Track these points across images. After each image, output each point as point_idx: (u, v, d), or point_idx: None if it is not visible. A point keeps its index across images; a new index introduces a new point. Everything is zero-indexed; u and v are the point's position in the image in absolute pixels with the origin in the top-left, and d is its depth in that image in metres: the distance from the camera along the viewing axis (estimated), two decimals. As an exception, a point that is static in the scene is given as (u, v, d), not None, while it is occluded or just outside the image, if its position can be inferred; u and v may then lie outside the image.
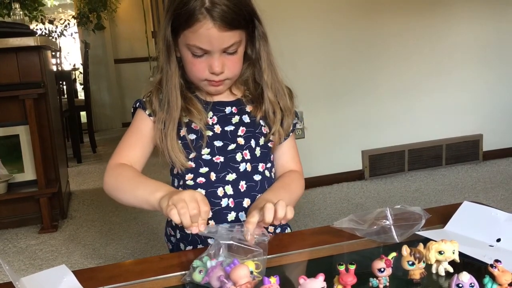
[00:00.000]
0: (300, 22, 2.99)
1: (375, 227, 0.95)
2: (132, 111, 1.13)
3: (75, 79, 6.02)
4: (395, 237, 0.93)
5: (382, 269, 0.77)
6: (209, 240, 1.04)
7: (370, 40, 3.19)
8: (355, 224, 0.99)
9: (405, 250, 0.78)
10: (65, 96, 4.63)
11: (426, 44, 3.29)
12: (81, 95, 5.95)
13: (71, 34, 6.41)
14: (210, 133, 1.05)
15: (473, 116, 3.46)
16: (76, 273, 0.87)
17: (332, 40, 3.12)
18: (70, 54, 6.67)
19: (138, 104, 1.09)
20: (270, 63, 1.08)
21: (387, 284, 0.78)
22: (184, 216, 0.83)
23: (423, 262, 0.78)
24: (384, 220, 0.96)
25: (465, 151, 3.42)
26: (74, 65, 5.95)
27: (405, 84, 3.28)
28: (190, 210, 0.83)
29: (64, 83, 4.69)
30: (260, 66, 1.08)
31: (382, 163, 3.26)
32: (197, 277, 0.80)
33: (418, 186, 3.05)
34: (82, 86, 5.20)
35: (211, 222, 1.05)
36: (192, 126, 1.05)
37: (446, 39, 3.33)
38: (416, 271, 0.78)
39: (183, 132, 1.04)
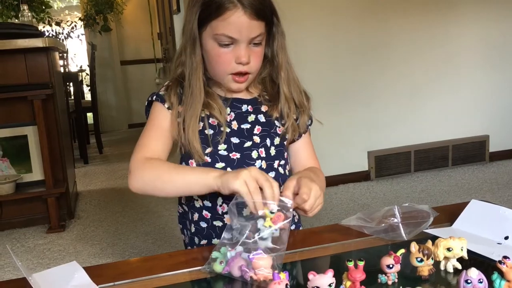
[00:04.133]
0: (305, 24, 2.99)
1: (383, 225, 0.96)
2: (146, 104, 1.11)
3: (81, 80, 6.05)
4: (403, 234, 0.94)
5: (391, 266, 0.77)
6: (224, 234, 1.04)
7: (376, 41, 3.18)
8: (363, 222, 0.99)
9: (414, 246, 0.79)
10: (72, 97, 4.65)
11: (432, 46, 3.28)
12: (87, 96, 5.98)
13: (78, 36, 6.45)
14: (228, 130, 1.06)
15: (480, 117, 3.45)
16: (86, 269, 0.88)
17: (338, 41, 3.12)
18: (76, 56, 6.70)
19: (155, 97, 1.08)
20: (287, 61, 1.10)
21: (396, 280, 0.78)
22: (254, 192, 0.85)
23: (432, 258, 0.79)
24: (392, 218, 0.96)
25: (472, 152, 3.41)
26: (81, 67, 5.98)
27: (411, 85, 3.28)
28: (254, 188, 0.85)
29: (71, 84, 4.72)
30: (278, 64, 1.09)
31: (388, 164, 3.25)
32: (218, 267, 0.81)
33: (425, 187, 3.04)
34: (89, 88, 5.22)
35: (227, 217, 1.05)
36: (210, 121, 1.06)
37: (452, 40, 3.33)
38: (425, 268, 0.79)
39: (200, 126, 1.04)
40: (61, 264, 0.92)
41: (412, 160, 3.28)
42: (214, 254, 0.83)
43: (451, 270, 0.81)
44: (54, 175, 2.71)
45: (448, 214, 1.04)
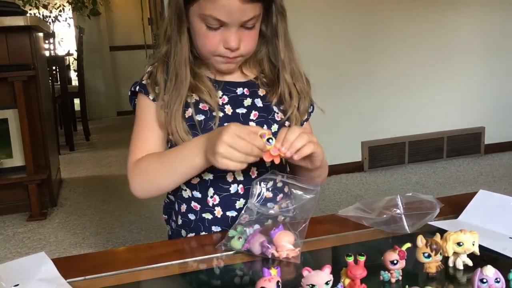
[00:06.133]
0: (300, 13, 2.90)
1: (384, 216, 0.88)
2: (129, 94, 1.02)
3: (69, 65, 5.91)
4: (406, 227, 0.86)
5: (395, 261, 0.69)
6: (213, 228, 0.98)
7: (371, 30, 3.11)
8: (362, 213, 0.91)
9: (421, 240, 0.71)
10: (58, 82, 4.53)
11: (428, 36, 3.22)
12: (75, 82, 5.84)
13: (66, 20, 6.29)
14: (221, 114, 0.96)
15: (475, 108, 3.40)
16: (56, 261, 0.80)
17: (333, 30, 3.05)
18: (64, 40, 6.54)
19: (138, 87, 0.99)
20: (287, 42, 0.99)
21: (400, 277, 0.71)
22: (239, 160, 0.79)
23: (440, 254, 0.71)
24: (394, 209, 0.88)
25: (467, 144, 3.36)
26: (69, 51, 5.83)
27: (406, 75, 3.22)
28: (241, 149, 0.79)
29: (58, 69, 4.59)
30: (276, 44, 0.99)
31: (382, 155, 3.20)
32: (237, 244, 0.79)
33: (419, 178, 2.99)
34: (76, 73, 5.09)
35: (217, 209, 0.98)
36: (200, 106, 0.96)
37: (449, 30, 3.26)
38: (432, 264, 0.71)
39: (189, 112, 0.95)
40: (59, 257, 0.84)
41: (406, 152, 3.24)
42: (231, 232, 0.81)
43: (460, 267, 0.73)
44: (36, 161, 2.62)
45: (453, 205, 0.96)
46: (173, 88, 0.94)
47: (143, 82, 0.99)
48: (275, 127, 1.00)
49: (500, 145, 3.46)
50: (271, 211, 0.86)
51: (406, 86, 3.23)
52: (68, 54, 5.70)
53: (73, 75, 6.12)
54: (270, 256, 0.76)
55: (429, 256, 0.70)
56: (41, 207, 2.62)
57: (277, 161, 0.82)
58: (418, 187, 2.83)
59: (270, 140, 0.80)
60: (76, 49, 5.03)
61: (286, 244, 0.76)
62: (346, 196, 2.74)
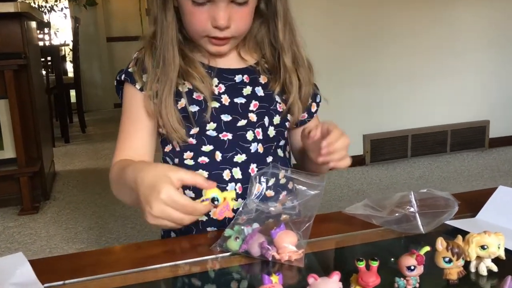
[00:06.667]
0: (302, 3, 2.81)
1: (396, 214, 0.80)
2: (115, 83, 0.94)
3: (64, 56, 5.81)
4: (420, 227, 0.79)
5: (412, 267, 0.62)
6: (208, 229, 0.91)
7: (374, 22, 3.04)
8: (371, 211, 0.83)
9: (441, 243, 0.63)
10: (53, 73, 4.44)
11: (432, 26, 3.14)
12: (71, 74, 5.75)
13: (62, 10, 6.18)
14: (217, 105, 0.88)
15: (480, 101, 3.33)
16: (35, 263, 0.74)
17: (335, 22, 2.97)
18: (60, 31, 6.44)
19: (123, 76, 0.90)
20: (288, 22, 0.90)
21: (417, 285, 0.63)
22: (173, 222, 0.70)
23: (462, 258, 0.63)
24: (408, 207, 0.80)
25: (471, 137, 3.30)
26: (64, 42, 5.73)
27: (410, 67, 3.15)
28: (173, 217, 0.69)
29: (52, 58, 4.49)
30: (276, 25, 0.89)
31: (384, 149, 3.14)
32: (233, 245, 0.72)
33: (422, 172, 2.94)
34: (72, 64, 5.00)
35: (213, 210, 0.89)
36: (194, 96, 0.87)
37: (453, 21, 3.19)
38: (453, 270, 0.63)
39: (182, 103, 0.86)
40: (31, 249, 0.77)
41: (409, 145, 3.18)
42: (227, 231, 0.74)
43: (484, 273, 0.66)
44: (28, 153, 2.56)
45: (470, 203, 0.89)
46: (161, 72, 0.85)
47: (129, 69, 0.90)
48: (277, 118, 0.92)
49: (505, 139, 3.39)
50: (272, 208, 0.80)
51: (409, 78, 3.16)
52: (64, 44, 5.60)
53: (69, 66, 6.02)
54: (270, 259, 0.70)
55: (450, 261, 0.63)
56: (33, 200, 2.56)
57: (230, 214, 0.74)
58: (421, 181, 2.76)
59: (215, 201, 0.70)
60: (72, 39, 4.94)
61: (288, 246, 0.70)
62: (348, 191, 2.68)
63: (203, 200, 0.70)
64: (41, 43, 4.34)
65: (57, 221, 2.40)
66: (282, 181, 0.91)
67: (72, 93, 4.90)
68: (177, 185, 0.69)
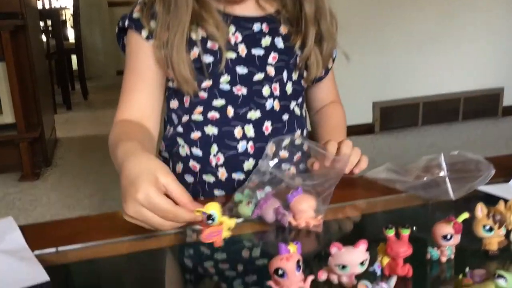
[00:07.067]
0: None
1: (425, 178, 0.72)
2: (117, 31, 0.85)
3: (65, 21, 5.68)
4: (450, 192, 0.72)
5: (449, 236, 0.54)
6: (215, 191, 0.84)
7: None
8: (395, 175, 0.76)
9: (481, 209, 0.56)
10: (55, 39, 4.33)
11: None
12: (72, 40, 5.64)
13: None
14: (233, 55, 0.81)
15: (495, 67, 3.25)
16: (27, 228, 0.68)
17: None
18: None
19: (127, 22, 0.81)
20: None
21: (452, 256, 0.56)
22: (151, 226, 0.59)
23: (504, 227, 0.55)
24: (436, 170, 0.72)
25: (484, 105, 3.24)
26: (65, 6, 5.60)
27: (421, 32, 3.07)
28: (150, 221, 0.58)
29: (52, 22, 4.37)
30: None
31: (394, 116, 3.09)
32: (245, 210, 0.67)
33: (433, 141, 2.89)
34: (73, 29, 4.88)
35: (221, 170, 0.83)
36: (209, 45, 0.79)
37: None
38: (494, 240, 0.58)
39: (194, 53, 0.79)
40: (32, 215, 0.71)
41: (420, 113, 3.13)
42: (237, 196, 0.69)
43: (528, 243, 0.58)
44: (27, 119, 2.51)
45: (502, 168, 0.81)
46: (172, 16, 0.76)
47: (134, 15, 0.80)
48: (296, 74, 0.85)
49: (520, 108, 3.31)
50: (287, 174, 0.74)
51: (420, 43, 3.08)
52: (63, 8, 5.47)
53: (70, 33, 5.89)
54: (286, 225, 0.65)
55: (490, 229, 0.56)
56: (33, 167, 2.53)
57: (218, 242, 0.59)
58: (433, 150, 2.69)
59: (210, 220, 0.56)
60: (73, 4, 4.81)
61: (307, 210, 0.64)
62: (356, 159, 2.62)
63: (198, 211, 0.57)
64: (40, 6, 4.21)
65: (58, 188, 2.37)
66: (299, 143, 0.85)
67: (74, 60, 4.80)
68: (161, 189, 0.58)
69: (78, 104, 4.39)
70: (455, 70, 3.16)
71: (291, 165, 0.84)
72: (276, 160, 0.77)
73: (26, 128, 2.44)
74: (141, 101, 0.81)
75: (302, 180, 0.74)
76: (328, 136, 0.88)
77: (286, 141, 0.80)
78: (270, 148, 0.73)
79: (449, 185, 0.71)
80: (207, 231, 0.56)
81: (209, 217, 0.56)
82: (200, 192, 0.84)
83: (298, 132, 0.87)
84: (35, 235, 0.68)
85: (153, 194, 0.56)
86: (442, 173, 0.72)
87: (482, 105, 3.22)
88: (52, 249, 0.64)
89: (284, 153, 0.81)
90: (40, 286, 0.58)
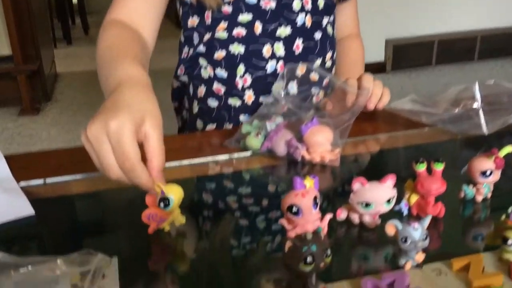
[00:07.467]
0: None
1: (456, 110, 0.64)
2: None
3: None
4: (484, 126, 0.64)
5: (489, 172, 0.47)
6: (241, 117, 0.78)
7: None
8: (421, 107, 0.68)
9: (526, 143, 0.48)
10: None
11: None
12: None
13: None
14: None
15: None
16: (14, 158, 0.63)
17: None
18: None
19: None
20: None
21: (489, 195, 0.49)
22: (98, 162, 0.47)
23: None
24: (469, 102, 0.64)
25: (502, 44, 3.10)
26: None
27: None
28: (103, 157, 0.46)
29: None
30: None
31: (407, 55, 2.97)
32: (254, 142, 0.61)
33: (448, 81, 2.79)
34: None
35: (248, 93, 0.76)
36: None
37: None
38: None
39: None
40: (31, 150, 0.65)
41: (434, 52, 3.00)
42: (245, 127, 0.63)
43: None
44: (24, 51, 2.40)
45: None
46: None
47: None
48: None
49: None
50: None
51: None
52: None
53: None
54: (299, 159, 0.59)
55: (535, 166, 0.48)
56: (33, 101, 2.46)
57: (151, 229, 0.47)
58: (446, 90, 2.62)
59: (163, 204, 0.45)
60: None
61: (322, 143, 0.58)
62: (366, 99, 2.55)
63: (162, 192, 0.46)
64: None
65: (59, 123, 2.32)
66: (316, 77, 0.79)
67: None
68: (139, 134, 0.46)
69: (78, 39, 4.25)
70: (472, 6, 3.01)
71: (321, 89, 0.79)
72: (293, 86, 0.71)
73: (23, 61, 2.35)
74: (136, 7, 0.71)
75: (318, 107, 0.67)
76: (346, 71, 0.85)
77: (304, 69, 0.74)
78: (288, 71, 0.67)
79: (482, 117, 0.64)
80: (151, 211, 0.46)
81: (164, 200, 0.45)
82: (226, 117, 0.78)
83: (329, 54, 0.80)
84: (23, 165, 0.63)
85: (127, 132, 0.44)
86: (475, 105, 0.64)
87: (499, 44, 3.09)
88: (39, 181, 0.58)
89: (314, 76, 0.77)
90: (24, 219, 0.52)
